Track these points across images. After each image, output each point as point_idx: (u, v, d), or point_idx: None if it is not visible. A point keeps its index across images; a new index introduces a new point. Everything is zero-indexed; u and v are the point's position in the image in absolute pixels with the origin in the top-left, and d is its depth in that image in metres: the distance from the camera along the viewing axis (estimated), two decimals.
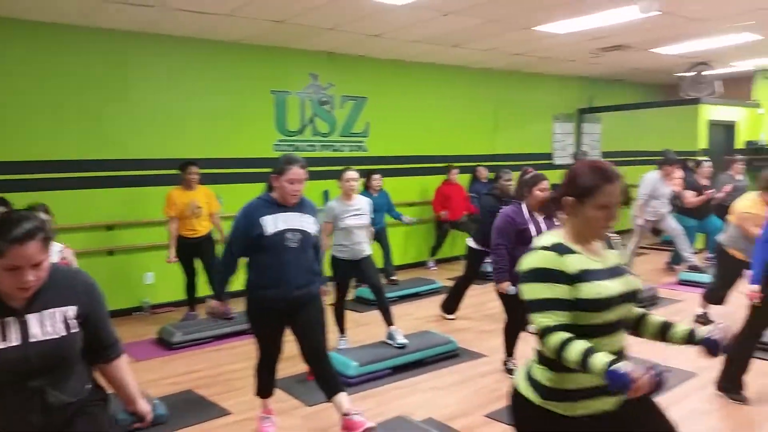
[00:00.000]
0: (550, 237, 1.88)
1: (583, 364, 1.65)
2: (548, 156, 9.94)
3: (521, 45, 7.47)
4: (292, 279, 3.23)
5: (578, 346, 1.68)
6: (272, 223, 3.20)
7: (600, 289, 1.77)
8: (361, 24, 6.13)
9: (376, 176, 7.02)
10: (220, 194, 6.05)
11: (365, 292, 6.27)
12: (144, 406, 2.14)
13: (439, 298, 6.19)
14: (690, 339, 1.89)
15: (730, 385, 3.83)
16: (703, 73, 9.13)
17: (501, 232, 4.07)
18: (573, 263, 1.79)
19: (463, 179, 8.44)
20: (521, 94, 9.69)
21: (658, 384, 1.57)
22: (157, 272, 6.42)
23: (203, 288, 5.84)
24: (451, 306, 5.90)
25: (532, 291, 1.79)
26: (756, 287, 3.51)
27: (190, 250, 5.82)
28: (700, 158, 7.90)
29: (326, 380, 3.39)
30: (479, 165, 8.70)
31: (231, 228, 3.35)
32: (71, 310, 1.88)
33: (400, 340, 4.64)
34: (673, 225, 7.31)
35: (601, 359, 1.63)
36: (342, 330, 4.96)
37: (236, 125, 6.91)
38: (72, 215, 5.83)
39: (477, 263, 5.63)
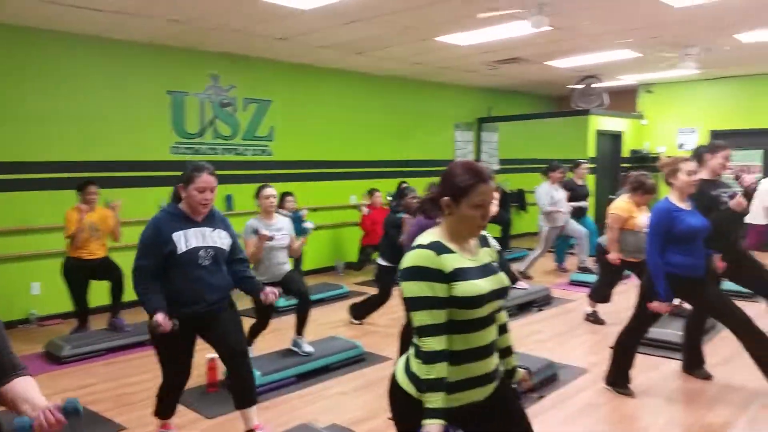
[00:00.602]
0: (428, 236, 1.91)
1: (424, 389, 1.78)
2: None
3: (422, 55, 7.64)
4: (206, 296, 3.09)
5: (434, 373, 1.77)
6: (183, 240, 3.03)
7: (473, 287, 1.83)
8: (265, 27, 6.04)
9: (290, 198, 6.92)
10: (108, 197, 5.69)
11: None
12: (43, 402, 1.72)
13: (347, 303, 6.19)
14: (507, 376, 2.14)
15: (618, 379, 4.06)
16: (592, 85, 9.73)
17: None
18: (449, 262, 1.84)
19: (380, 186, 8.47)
20: (424, 103, 9.90)
21: None
22: (44, 282, 6.01)
23: (95, 299, 5.55)
24: (360, 313, 5.90)
25: (411, 289, 1.83)
26: (666, 303, 3.63)
27: (85, 271, 5.41)
28: (579, 159, 8.34)
29: (242, 388, 3.26)
30: (403, 180, 8.46)
31: (138, 245, 3.08)
32: None
33: (306, 348, 4.59)
34: (578, 228, 7.71)
35: (431, 405, 1.75)
36: (249, 342, 4.82)
37: (127, 126, 6.57)
38: None
39: (389, 280, 5.55)
